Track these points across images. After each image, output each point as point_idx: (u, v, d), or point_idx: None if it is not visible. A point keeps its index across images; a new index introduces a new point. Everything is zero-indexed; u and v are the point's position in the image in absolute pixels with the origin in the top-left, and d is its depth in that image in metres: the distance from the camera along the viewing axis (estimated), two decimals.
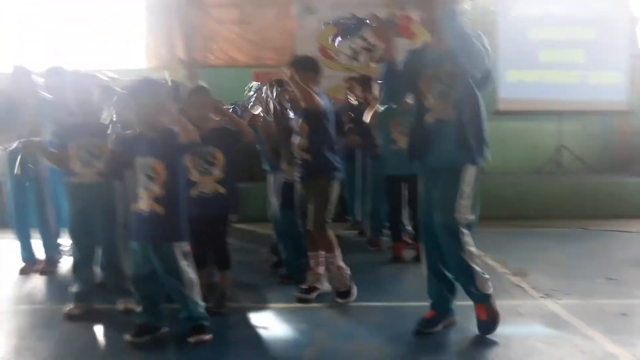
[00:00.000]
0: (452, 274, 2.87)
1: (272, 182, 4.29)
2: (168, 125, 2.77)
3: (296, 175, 3.58)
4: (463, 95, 2.73)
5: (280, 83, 3.86)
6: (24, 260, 4.31)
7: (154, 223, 2.72)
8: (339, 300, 3.42)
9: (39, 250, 4.34)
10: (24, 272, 4.22)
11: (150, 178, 2.71)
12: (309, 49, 8.15)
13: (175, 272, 2.75)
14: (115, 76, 4.50)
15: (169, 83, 3.82)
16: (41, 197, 4.23)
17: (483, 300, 2.83)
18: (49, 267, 4.26)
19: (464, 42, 2.61)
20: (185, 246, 2.81)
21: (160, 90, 2.83)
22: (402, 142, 4.39)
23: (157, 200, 2.71)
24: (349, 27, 3.15)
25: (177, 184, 2.80)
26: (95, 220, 3.22)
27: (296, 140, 3.53)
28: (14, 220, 4.30)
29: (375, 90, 4.89)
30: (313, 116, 3.45)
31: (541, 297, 3.50)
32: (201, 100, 3.24)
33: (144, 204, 2.72)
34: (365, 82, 5.26)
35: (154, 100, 2.75)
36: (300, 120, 3.51)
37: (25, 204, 4.28)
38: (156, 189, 2.71)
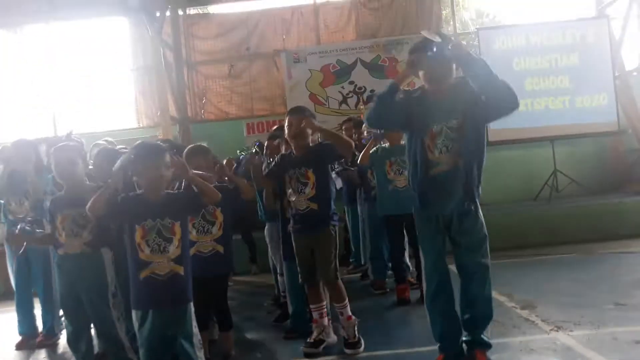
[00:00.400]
0: (475, 314, 2.83)
1: (270, 232, 4.26)
2: (175, 185, 2.75)
3: (297, 226, 3.48)
4: (470, 145, 2.76)
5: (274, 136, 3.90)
6: (22, 333, 4.22)
7: (175, 286, 2.63)
8: (348, 351, 3.34)
9: (38, 322, 4.26)
10: (21, 347, 4.14)
11: (167, 240, 2.63)
12: (298, 96, 8.32)
13: (190, 336, 2.67)
14: (111, 139, 4.55)
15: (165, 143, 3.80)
16: (46, 267, 4.18)
17: (487, 347, 2.85)
18: (47, 340, 4.17)
19: (494, 84, 2.64)
20: (192, 306, 2.75)
21: (163, 151, 2.79)
22: (399, 181, 4.40)
23: (176, 261, 2.64)
24: (337, 73, 3.16)
25: (186, 241, 2.75)
26: (84, 292, 3.13)
27: (297, 190, 3.42)
28: (15, 289, 4.25)
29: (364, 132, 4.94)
30: (323, 165, 3.43)
31: (552, 330, 3.41)
32: (201, 160, 3.22)
33: (161, 268, 2.61)
34: (357, 124, 5.33)
35: (161, 161, 2.70)
36: (306, 169, 3.41)
37: (28, 275, 4.25)
38: (174, 249, 2.65)
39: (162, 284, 2.62)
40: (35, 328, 4.28)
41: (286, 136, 3.50)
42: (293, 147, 3.49)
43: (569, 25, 8.17)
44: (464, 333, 2.89)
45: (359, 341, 3.38)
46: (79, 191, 3.15)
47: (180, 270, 2.66)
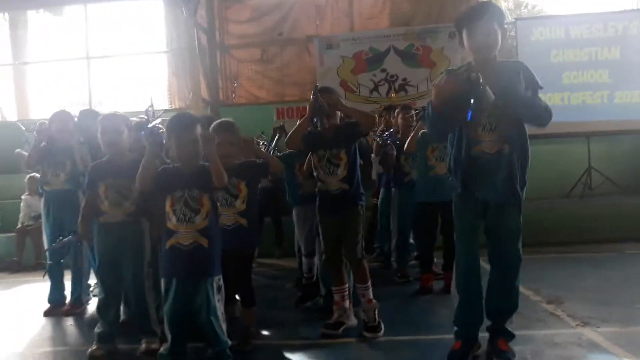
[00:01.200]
0: (502, 305, 2.80)
1: (298, 214, 4.26)
2: (204, 160, 2.79)
3: (327, 207, 3.44)
4: (513, 130, 2.69)
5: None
6: (51, 301, 4.34)
7: (197, 257, 2.67)
8: (367, 334, 3.32)
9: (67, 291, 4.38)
10: (49, 314, 4.25)
11: (194, 211, 2.68)
12: (330, 83, 8.27)
13: (213, 308, 2.71)
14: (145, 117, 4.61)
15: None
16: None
17: (511, 337, 2.82)
18: (74, 309, 4.28)
19: (532, 111, 2.65)
20: (219, 280, 2.79)
21: (196, 122, 2.83)
22: (440, 168, 4.33)
23: (201, 232, 2.69)
24: (369, 60, 3.11)
25: (216, 215, 2.80)
26: (123, 260, 3.20)
27: (328, 171, 3.38)
28: (48, 259, 4.35)
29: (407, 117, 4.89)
30: (353, 145, 3.39)
31: (578, 325, 3.33)
32: (229, 136, 3.23)
33: (185, 238, 2.68)
34: (392, 111, 5.40)
35: (195, 134, 2.76)
36: (338, 150, 3.37)
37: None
38: (200, 221, 2.69)
39: (185, 254, 2.67)
40: (64, 297, 4.39)
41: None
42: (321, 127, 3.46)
43: (610, 17, 7.90)
44: (488, 322, 2.85)
45: (379, 325, 3.36)
46: (123, 161, 3.22)
47: (205, 243, 2.69)
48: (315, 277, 4.15)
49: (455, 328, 2.87)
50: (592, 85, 7.75)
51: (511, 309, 2.82)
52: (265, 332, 3.49)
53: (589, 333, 3.18)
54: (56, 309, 4.28)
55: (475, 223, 2.81)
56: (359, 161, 3.48)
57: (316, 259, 4.10)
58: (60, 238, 3.88)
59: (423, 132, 4.47)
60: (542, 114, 2.65)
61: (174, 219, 2.69)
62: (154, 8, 9.81)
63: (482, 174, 2.71)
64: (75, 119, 4.42)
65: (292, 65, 9.36)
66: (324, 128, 3.33)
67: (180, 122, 2.80)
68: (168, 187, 2.74)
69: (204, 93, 8.66)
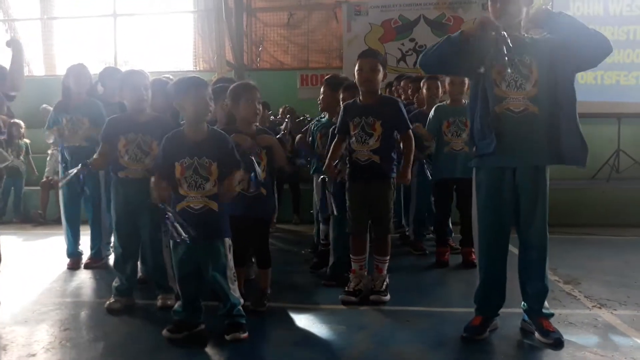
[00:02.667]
0: (538, 286, 2.72)
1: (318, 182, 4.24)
2: (218, 127, 2.79)
3: (356, 176, 3.40)
4: (552, 92, 2.58)
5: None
6: (69, 255, 4.43)
7: (206, 219, 2.70)
8: (372, 297, 3.34)
9: (85, 245, 4.47)
10: (72, 266, 4.34)
11: (204, 178, 2.70)
12: (356, 51, 8.11)
13: (223, 268, 2.75)
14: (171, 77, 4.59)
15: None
16: (97, 192, 4.31)
17: (551, 315, 2.78)
18: (94, 263, 4.37)
19: (582, 32, 2.50)
20: (229, 242, 2.81)
21: (206, 84, 2.80)
22: (456, 143, 4.27)
23: (211, 197, 2.71)
24: (398, 29, 3.02)
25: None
26: (141, 216, 3.23)
27: (360, 140, 3.33)
28: (65, 213, 4.43)
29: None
30: (391, 119, 3.32)
31: (595, 306, 3.29)
32: (256, 93, 3.19)
33: (196, 202, 2.70)
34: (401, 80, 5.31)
35: (209, 93, 2.76)
36: (374, 119, 3.30)
37: (79, 198, 4.40)
38: (210, 187, 2.71)
39: (196, 217, 2.70)
40: (81, 251, 4.48)
41: (356, 82, 3.41)
42: (361, 94, 3.40)
43: None
44: (523, 303, 2.81)
45: (385, 291, 3.38)
46: (144, 118, 3.23)
47: (214, 207, 2.72)
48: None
49: (476, 305, 2.84)
50: (628, 66, 7.50)
51: (545, 290, 2.74)
52: (279, 295, 3.52)
53: (605, 315, 3.14)
54: (76, 262, 4.38)
55: (502, 195, 2.69)
56: (394, 136, 3.41)
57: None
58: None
59: (436, 107, 4.39)
60: (602, 39, 2.50)
61: (185, 186, 2.71)
62: None
63: (509, 133, 2.60)
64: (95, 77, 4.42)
65: (319, 31, 9.22)
66: (364, 96, 3.34)
67: (193, 81, 2.77)
68: (177, 153, 2.74)
69: (229, 56, 8.60)
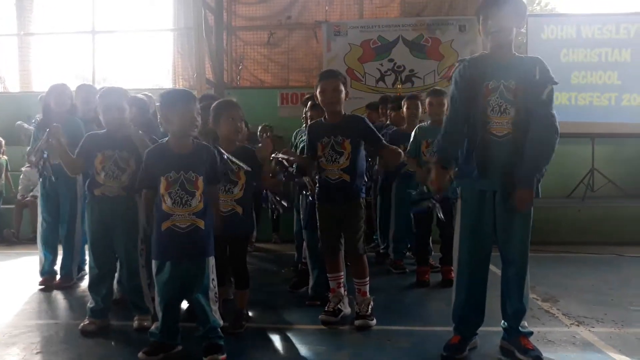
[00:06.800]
0: (519, 305, 2.72)
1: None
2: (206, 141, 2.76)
3: (325, 196, 3.37)
4: (525, 113, 2.60)
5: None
6: (43, 274, 4.33)
7: (193, 238, 2.64)
8: (357, 322, 3.29)
9: (58, 265, 4.38)
10: (45, 283, 4.25)
11: (189, 193, 2.64)
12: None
13: (205, 290, 2.70)
14: (149, 94, 4.56)
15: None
16: (73, 211, 4.28)
17: (530, 334, 2.79)
18: (64, 283, 4.28)
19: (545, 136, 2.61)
20: (212, 261, 2.76)
21: (193, 97, 2.78)
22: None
23: (197, 214, 2.66)
24: (377, 49, 3.08)
25: (210, 198, 2.77)
26: (116, 235, 3.18)
27: (330, 159, 3.32)
28: (42, 232, 4.35)
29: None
30: (358, 137, 3.32)
31: (573, 324, 3.32)
32: (238, 111, 3.18)
33: (182, 220, 2.63)
34: (396, 102, 5.27)
35: (197, 107, 2.72)
36: (343, 138, 3.30)
37: (57, 217, 4.34)
38: (196, 204, 2.65)
39: (183, 236, 2.63)
40: (55, 271, 4.39)
41: (320, 102, 3.42)
42: (327, 114, 3.42)
43: (623, 19, 7.78)
44: (503, 322, 2.82)
45: (371, 315, 3.34)
46: (121, 134, 3.18)
47: (201, 224, 2.66)
48: None
49: (454, 324, 2.83)
50: (601, 87, 7.67)
51: (525, 308, 2.75)
52: (258, 315, 3.47)
53: (583, 332, 3.16)
54: (49, 282, 4.28)
55: (483, 216, 2.71)
56: (362, 155, 3.42)
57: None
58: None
59: (416, 129, 4.44)
60: (552, 142, 2.64)
61: (169, 202, 2.64)
62: None
63: (491, 158, 2.63)
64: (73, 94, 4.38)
65: (299, 50, 9.27)
66: (330, 116, 3.37)
67: (182, 94, 2.74)
68: (162, 167, 2.68)
69: (209, 74, 8.58)
